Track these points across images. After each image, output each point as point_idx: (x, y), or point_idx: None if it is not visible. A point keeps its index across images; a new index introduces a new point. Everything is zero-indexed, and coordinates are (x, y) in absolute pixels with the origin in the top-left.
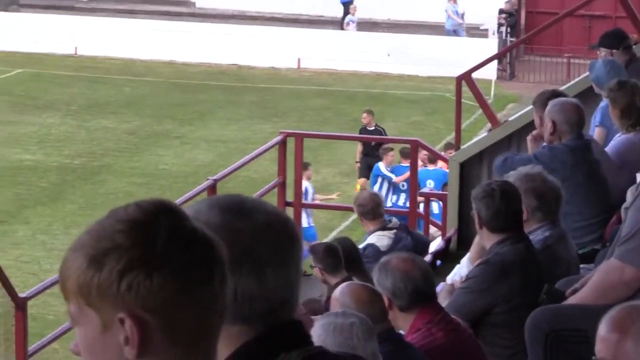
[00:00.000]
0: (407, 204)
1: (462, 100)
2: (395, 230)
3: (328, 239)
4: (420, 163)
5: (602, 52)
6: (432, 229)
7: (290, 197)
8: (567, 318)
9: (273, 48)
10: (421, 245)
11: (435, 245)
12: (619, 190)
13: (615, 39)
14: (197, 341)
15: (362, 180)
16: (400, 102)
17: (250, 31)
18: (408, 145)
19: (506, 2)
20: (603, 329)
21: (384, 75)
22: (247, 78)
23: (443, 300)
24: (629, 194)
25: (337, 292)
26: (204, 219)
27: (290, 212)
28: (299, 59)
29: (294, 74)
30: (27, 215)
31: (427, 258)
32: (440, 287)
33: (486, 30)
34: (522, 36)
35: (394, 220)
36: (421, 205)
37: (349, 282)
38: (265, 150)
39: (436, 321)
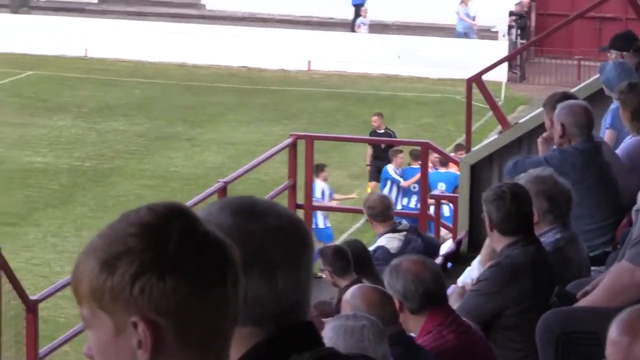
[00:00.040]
0: (419, 206)
1: (473, 102)
2: (405, 233)
3: (339, 241)
4: (430, 165)
5: (613, 54)
6: (443, 232)
7: (300, 199)
8: (578, 320)
9: (283, 50)
10: (431, 248)
11: (446, 247)
12: (629, 192)
13: (625, 41)
14: (209, 343)
15: (373, 183)
16: (410, 104)
17: (260, 33)
18: (418, 147)
19: (516, 4)
20: (614, 331)
21: (394, 78)
22: (258, 80)
23: (454, 303)
24: None
25: (348, 294)
26: (215, 221)
27: (300, 214)
28: (309, 61)
29: (304, 76)
30: (37, 218)
31: (438, 260)
32: (451, 290)
33: (496, 32)
34: (532, 38)
35: (404, 222)
36: (431, 208)
37: (359, 284)
38: (275, 153)
39: (447, 324)
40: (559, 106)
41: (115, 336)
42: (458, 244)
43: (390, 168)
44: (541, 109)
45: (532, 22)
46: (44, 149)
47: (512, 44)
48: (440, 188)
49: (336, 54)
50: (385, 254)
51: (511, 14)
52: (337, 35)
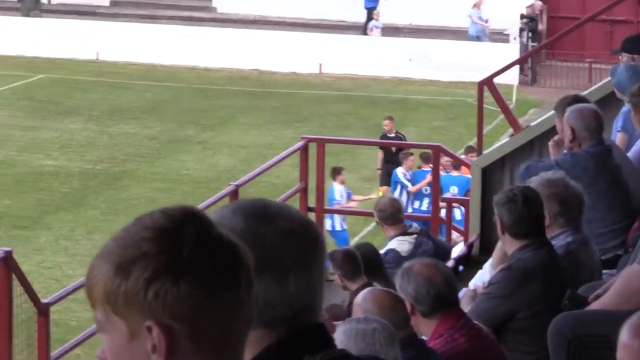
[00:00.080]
0: (431, 209)
1: (484, 105)
2: (415, 235)
3: (350, 244)
4: (440, 168)
5: (624, 57)
6: (454, 235)
7: (312, 202)
8: (589, 324)
9: (294, 53)
10: (442, 252)
11: (457, 250)
12: None
13: (637, 44)
14: (223, 347)
15: (384, 188)
16: (421, 107)
17: (271, 36)
18: (428, 150)
19: (527, 7)
20: (625, 335)
21: (405, 81)
22: (269, 83)
23: (465, 306)
24: None
25: (359, 297)
26: (227, 224)
27: (312, 217)
28: (320, 64)
29: (315, 79)
30: (49, 221)
31: (450, 263)
32: (462, 293)
33: (508, 35)
34: (543, 41)
35: (415, 225)
36: (443, 211)
37: (371, 287)
38: (287, 156)
39: (458, 327)
40: (568, 110)
41: (130, 340)
42: (469, 247)
43: (399, 171)
44: (552, 111)
45: (544, 24)
46: (55, 152)
47: (524, 47)
48: (453, 191)
49: (347, 57)
50: (396, 257)
51: (522, 16)
52: (348, 38)
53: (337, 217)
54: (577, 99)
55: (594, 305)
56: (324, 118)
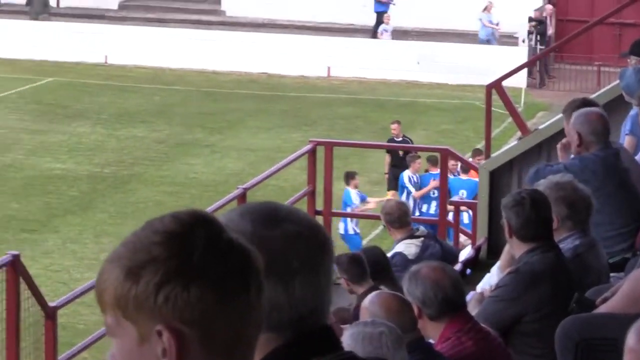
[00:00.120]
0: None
1: (492, 108)
2: (422, 239)
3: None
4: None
5: (633, 60)
6: (462, 238)
7: (320, 205)
8: (597, 327)
9: (303, 56)
10: (450, 255)
11: (465, 253)
12: None
13: None
14: (233, 351)
15: (392, 192)
16: (430, 110)
17: (280, 40)
18: (435, 153)
19: (535, 10)
20: (631, 339)
21: (413, 84)
22: (277, 86)
23: (473, 309)
24: None
25: (366, 301)
26: (235, 227)
27: (320, 221)
28: (329, 68)
29: (323, 83)
30: (57, 224)
31: (457, 267)
32: (470, 296)
33: (517, 38)
34: (552, 44)
35: (421, 228)
36: (451, 214)
37: (378, 291)
38: (295, 159)
39: (466, 330)
40: (574, 115)
41: (140, 345)
42: (477, 250)
43: (406, 175)
44: (561, 115)
45: (552, 28)
46: (63, 155)
47: (532, 50)
48: (462, 195)
49: (356, 60)
50: (403, 260)
51: (530, 19)
52: (356, 41)
53: (349, 221)
54: (586, 102)
55: (602, 309)
56: (332, 121)
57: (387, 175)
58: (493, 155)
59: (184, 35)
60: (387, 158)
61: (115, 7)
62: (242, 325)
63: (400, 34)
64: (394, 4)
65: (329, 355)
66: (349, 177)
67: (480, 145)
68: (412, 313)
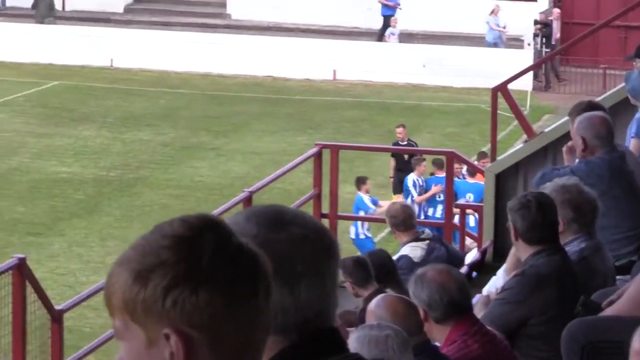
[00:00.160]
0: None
1: (498, 111)
2: (428, 241)
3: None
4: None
5: (638, 63)
6: (468, 241)
7: (325, 208)
8: (603, 330)
9: (308, 60)
10: (455, 258)
11: (471, 256)
12: None
13: None
14: (242, 355)
15: (397, 196)
16: (435, 113)
17: (285, 43)
18: (440, 156)
19: (541, 13)
20: (637, 342)
21: (419, 87)
22: (283, 90)
23: (479, 312)
24: None
25: (372, 304)
26: (241, 230)
27: (326, 224)
28: (334, 71)
29: (329, 86)
30: (63, 228)
31: (463, 270)
32: (476, 299)
33: (522, 41)
34: (557, 47)
35: (427, 231)
36: (456, 217)
37: (384, 294)
38: (300, 162)
39: (472, 333)
40: (577, 120)
41: (148, 348)
42: (483, 253)
43: (410, 178)
44: (566, 117)
45: (558, 30)
46: (69, 158)
47: (537, 53)
48: (469, 199)
49: (361, 64)
50: (409, 263)
51: (536, 22)
52: (362, 44)
53: (359, 225)
54: (592, 105)
55: (608, 311)
56: (337, 124)
57: (392, 179)
58: (499, 158)
59: (189, 39)
60: (392, 162)
61: (121, 10)
62: (250, 329)
63: (406, 37)
64: (400, 9)
65: (335, 357)
66: (360, 182)
67: (486, 148)
68: (418, 316)
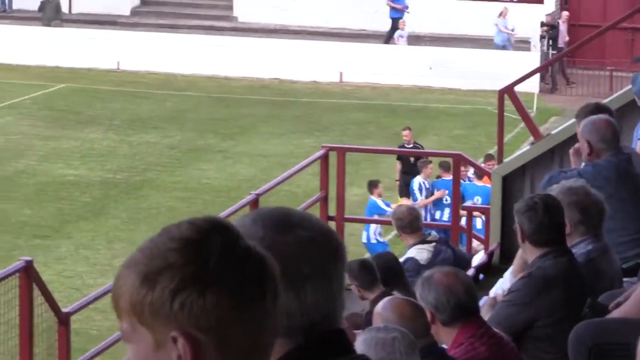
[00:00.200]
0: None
1: (505, 113)
2: (434, 244)
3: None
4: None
5: None
6: (475, 243)
7: (332, 211)
8: (610, 332)
9: (315, 62)
10: (462, 260)
11: (478, 259)
12: None
13: None
14: (249, 358)
15: (404, 199)
16: (442, 115)
17: (292, 45)
18: (447, 159)
19: (547, 15)
20: None
21: (425, 89)
22: (289, 92)
23: (485, 314)
24: None
25: (379, 306)
26: (247, 232)
27: (332, 226)
28: (341, 73)
29: (335, 88)
30: (69, 230)
31: (470, 272)
32: (483, 301)
33: (529, 43)
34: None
35: (433, 233)
36: (463, 219)
37: (391, 296)
38: (307, 165)
39: (479, 335)
40: (582, 124)
41: (155, 351)
42: (490, 255)
43: (416, 181)
44: (573, 120)
45: (567, 35)
46: (76, 161)
47: (544, 55)
48: (477, 201)
49: (368, 66)
50: (415, 266)
51: (542, 24)
52: (368, 47)
53: (371, 230)
54: (599, 107)
55: (615, 314)
56: (344, 127)
57: (398, 182)
58: (505, 160)
59: (196, 41)
60: (397, 165)
61: (128, 13)
62: (258, 332)
63: (412, 39)
64: (408, 12)
65: (341, 358)
66: (372, 185)
67: (493, 150)
68: (425, 318)
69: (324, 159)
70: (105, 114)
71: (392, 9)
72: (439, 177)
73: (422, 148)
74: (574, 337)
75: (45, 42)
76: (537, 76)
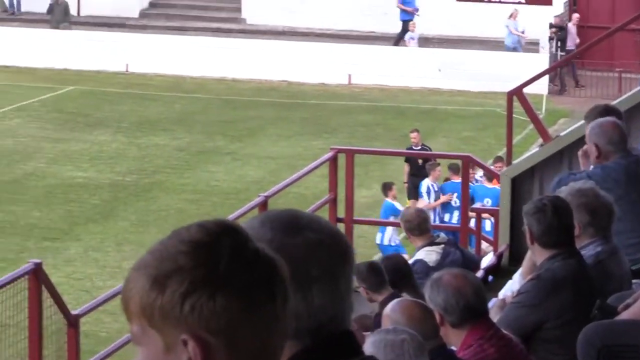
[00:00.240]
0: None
1: (513, 115)
2: (443, 245)
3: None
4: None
5: None
6: (484, 245)
7: (341, 212)
8: (619, 333)
9: (323, 64)
10: (471, 262)
11: (487, 260)
12: None
13: None
14: None
15: (412, 201)
16: (451, 117)
17: (300, 47)
18: (456, 161)
19: (556, 16)
20: None
21: (434, 91)
22: (298, 94)
23: (494, 316)
24: None
25: (388, 308)
26: (255, 234)
27: (340, 228)
28: (349, 75)
29: (344, 90)
30: (79, 233)
31: (479, 274)
32: (492, 303)
33: (537, 44)
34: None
35: (442, 235)
36: (472, 221)
37: (400, 298)
38: (316, 167)
39: (488, 337)
40: (589, 127)
41: (165, 353)
42: (499, 257)
43: (424, 184)
44: (582, 121)
45: (577, 38)
46: (85, 163)
47: (553, 57)
48: (487, 203)
49: (376, 68)
50: (424, 267)
51: (551, 25)
52: (377, 48)
53: (386, 232)
54: (608, 109)
55: (624, 315)
56: (352, 129)
57: (406, 185)
58: (514, 162)
59: (204, 44)
60: (405, 167)
61: (136, 15)
62: (267, 334)
63: (422, 41)
64: (418, 15)
65: (351, 359)
66: (387, 188)
67: (502, 152)
68: (434, 320)
69: (333, 161)
70: (113, 117)
71: (403, 11)
72: (447, 179)
73: (430, 150)
74: (583, 339)
75: (54, 45)
76: (546, 78)
